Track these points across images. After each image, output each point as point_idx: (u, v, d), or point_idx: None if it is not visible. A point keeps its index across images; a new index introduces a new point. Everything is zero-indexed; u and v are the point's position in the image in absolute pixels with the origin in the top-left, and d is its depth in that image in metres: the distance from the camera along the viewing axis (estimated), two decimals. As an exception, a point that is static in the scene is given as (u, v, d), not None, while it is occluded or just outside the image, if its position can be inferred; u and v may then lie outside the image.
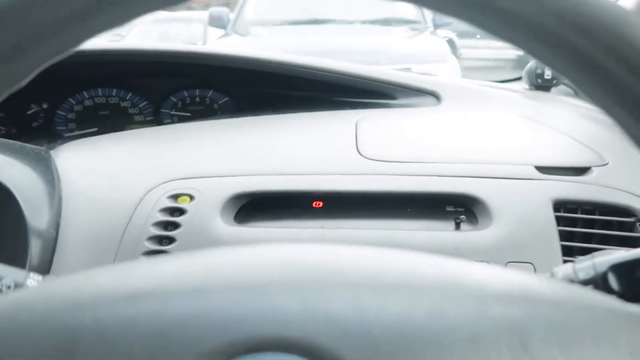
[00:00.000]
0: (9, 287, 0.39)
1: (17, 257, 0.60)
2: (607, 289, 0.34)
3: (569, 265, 0.37)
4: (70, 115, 1.02)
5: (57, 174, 0.67)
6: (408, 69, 2.78)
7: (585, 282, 0.35)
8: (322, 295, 0.23)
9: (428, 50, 3.10)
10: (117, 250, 0.61)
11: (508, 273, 0.25)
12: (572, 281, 0.36)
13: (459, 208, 0.63)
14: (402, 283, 0.24)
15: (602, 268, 0.35)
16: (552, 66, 0.25)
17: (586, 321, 0.23)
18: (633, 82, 0.23)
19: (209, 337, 0.21)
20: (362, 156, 0.69)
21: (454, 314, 0.22)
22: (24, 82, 0.26)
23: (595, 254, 0.37)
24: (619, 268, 0.34)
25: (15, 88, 0.26)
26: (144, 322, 0.22)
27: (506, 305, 0.23)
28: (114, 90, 1.03)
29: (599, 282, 0.35)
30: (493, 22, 0.24)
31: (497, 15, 0.23)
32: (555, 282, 0.26)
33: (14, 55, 0.23)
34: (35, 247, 0.60)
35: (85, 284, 0.24)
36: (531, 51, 0.25)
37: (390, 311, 0.22)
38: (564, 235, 0.58)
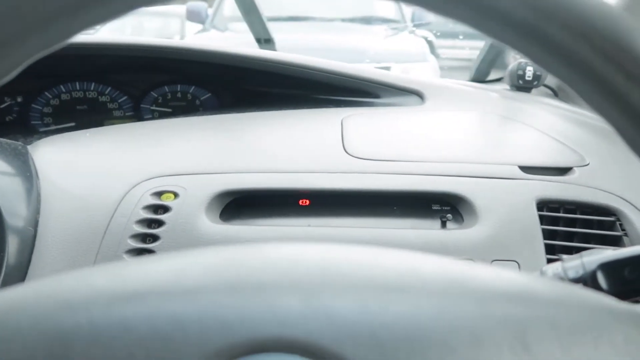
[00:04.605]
0: None
1: (-7, 255, 0.58)
2: (596, 288, 0.35)
3: (558, 264, 0.38)
4: (46, 110, 1.00)
5: (35, 170, 0.65)
6: (388, 68, 2.79)
7: (575, 281, 0.36)
8: (325, 295, 0.22)
9: (408, 49, 3.12)
10: (98, 248, 0.60)
11: (509, 273, 0.26)
12: (561, 279, 0.37)
13: (445, 207, 0.64)
14: (406, 284, 0.24)
15: (591, 267, 0.36)
16: (550, 71, 0.25)
17: (586, 321, 0.23)
18: (631, 90, 0.23)
19: (210, 339, 0.21)
20: (349, 154, 0.69)
21: (457, 315, 0.22)
22: (6, 80, 0.25)
23: (583, 253, 0.38)
24: (607, 267, 0.35)
25: None
26: (141, 324, 0.21)
27: (508, 305, 0.23)
28: (92, 84, 1.01)
29: (588, 281, 0.36)
30: (489, 23, 0.24)
31: (496, 17, 0.23)
32: (555, 282, 0.26)
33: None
34: (12, 246, 0.58)
35: (77, 284, 0.23)
36: (529, 55, 0.25)
37: (393, 312, 0.22)
38: (547, 234, 0.59)
